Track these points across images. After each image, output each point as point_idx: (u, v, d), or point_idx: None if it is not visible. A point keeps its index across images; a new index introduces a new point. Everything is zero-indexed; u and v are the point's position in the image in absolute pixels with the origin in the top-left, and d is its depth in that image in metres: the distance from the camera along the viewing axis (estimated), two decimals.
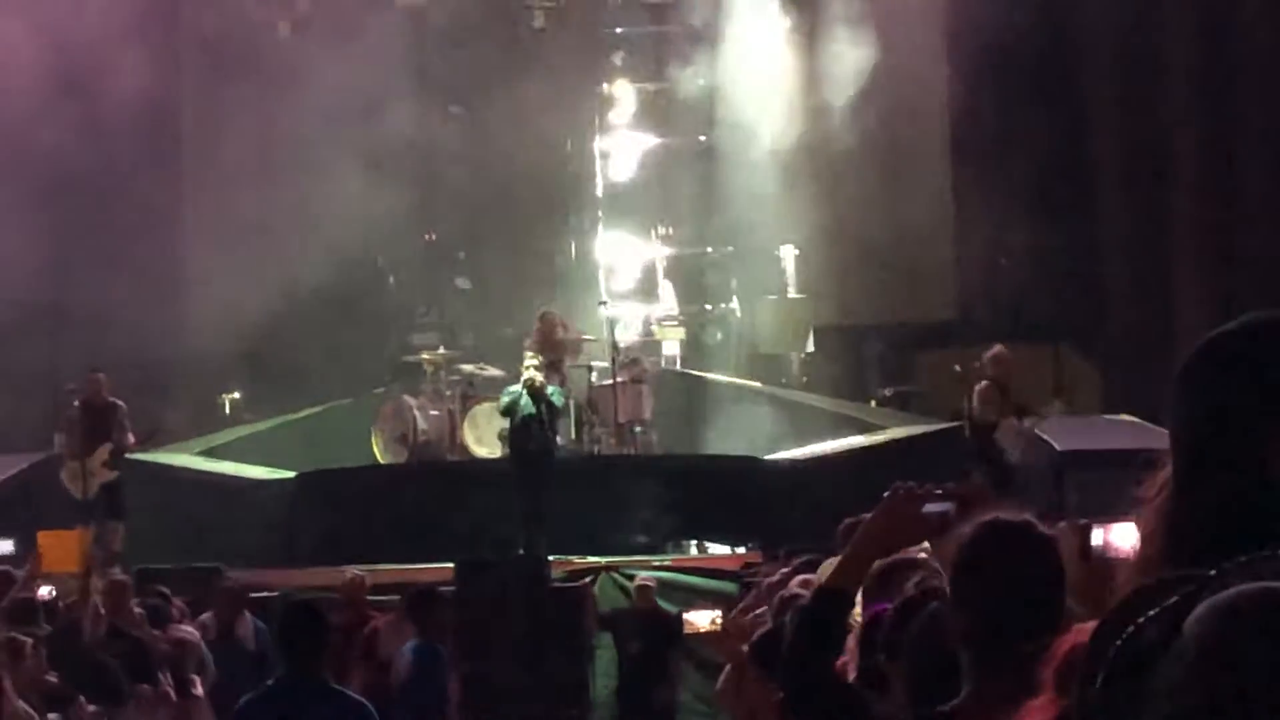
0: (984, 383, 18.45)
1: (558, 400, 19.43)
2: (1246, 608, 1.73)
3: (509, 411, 19.31)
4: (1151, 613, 1.81)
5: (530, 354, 19.75)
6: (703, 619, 13.45)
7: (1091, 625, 1.93)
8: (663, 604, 16.30)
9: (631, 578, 17.09)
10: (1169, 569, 1.89)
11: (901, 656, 4.48)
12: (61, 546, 17.20)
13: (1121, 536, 9.23)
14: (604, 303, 21.29)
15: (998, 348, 18.79)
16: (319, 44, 25.11)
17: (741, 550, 19.25)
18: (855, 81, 24.16)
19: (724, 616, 11.50)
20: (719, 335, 25.23)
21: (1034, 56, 25.08)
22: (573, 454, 20.67)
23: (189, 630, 13.86)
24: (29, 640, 10.33)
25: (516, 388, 19.34)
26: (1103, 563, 8.19)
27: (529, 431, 19.17)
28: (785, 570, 10.39)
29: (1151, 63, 24.70)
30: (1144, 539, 1.99)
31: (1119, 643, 1.82)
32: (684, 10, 26.07)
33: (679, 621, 15.00)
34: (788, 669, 4.41)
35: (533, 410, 19.07)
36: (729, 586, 16.33)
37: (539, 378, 19.16)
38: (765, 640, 6.58)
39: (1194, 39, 24.24)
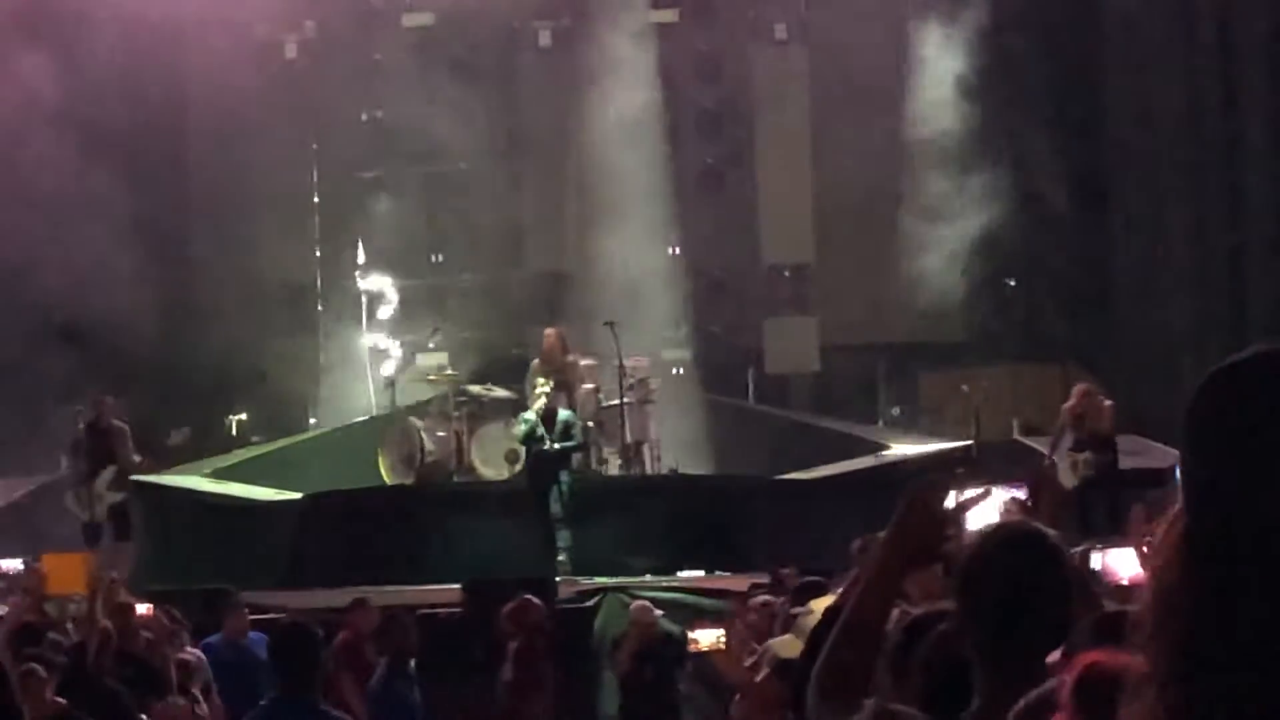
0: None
1: (570, 423, 19.57)
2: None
3: (528, 439, 19.48)
4: None
5: (542, 380, 19.85)
6: (708, 637, 13.43)
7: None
8: (668, 624, 16.23)
9: (639, 599, 17.02)
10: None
11: (909, 680, 4.43)
12: (67, 568, 17.19)
13: (1121, 561, 9.19)
14: (610, 323, 21.24)
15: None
16: (326, 65, 25.19)
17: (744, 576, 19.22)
18: (863, 103, 24.18)
19: (728, 635, 11.49)
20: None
21: (1044, 73, 25.10)
22: (580, 476, 20.69)
23: (194, 651, 13.84)
24: (37, 667, 10.31)
25: (531, 415, 19.48)
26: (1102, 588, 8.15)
27: (544, 457, 19.33)
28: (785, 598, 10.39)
29: (1167, 78, 24.71)
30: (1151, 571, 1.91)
31: None
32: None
33: (685, 640, 14.96)
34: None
35: (548, 436, 19.24)
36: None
37: (552, 403, 19.36)
38: (797, 665, 6.46)
39: (1209, 58, 24.27)
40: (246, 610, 15.32)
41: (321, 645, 8.27)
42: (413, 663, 13.56)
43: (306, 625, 8.62)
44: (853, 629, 3.98)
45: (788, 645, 7.68)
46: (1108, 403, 18.61)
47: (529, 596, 14.60)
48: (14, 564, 18.75)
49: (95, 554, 18.46)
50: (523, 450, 20.00)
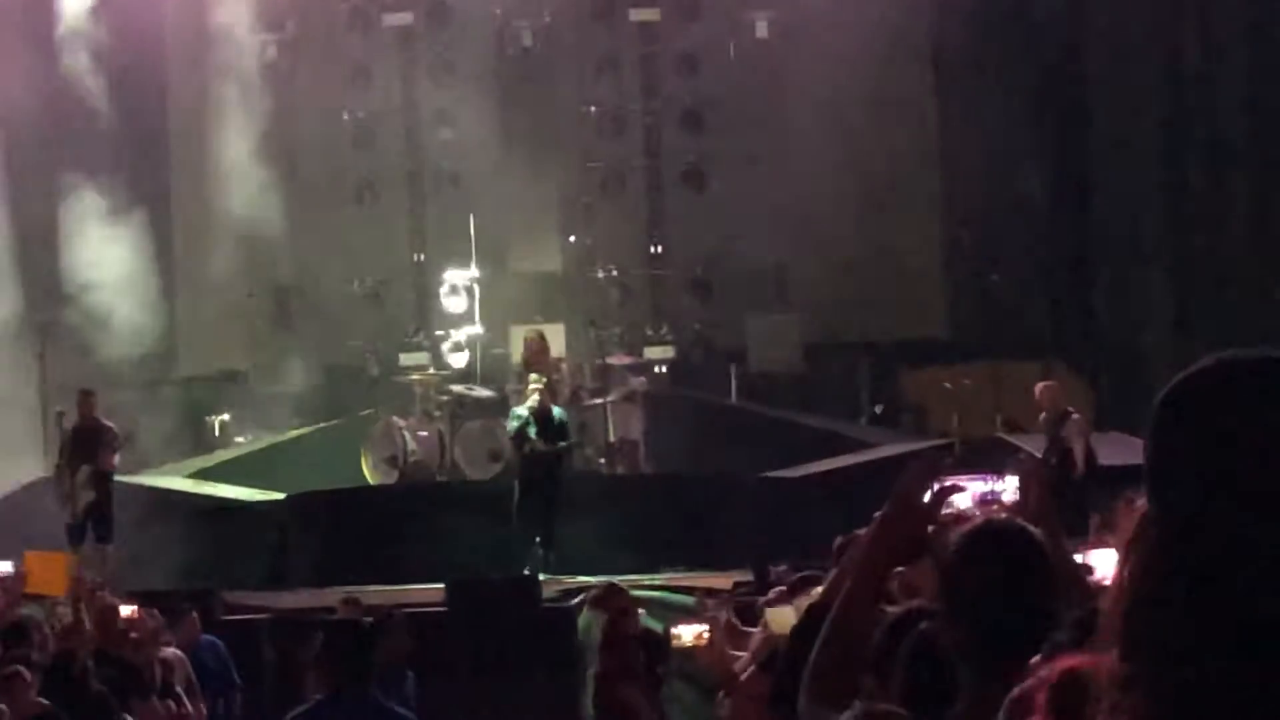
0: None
1: (565, 422, 19.57)
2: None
3: (519, 436, 19.42)
4: None
5: (535, 377, 19.83)
6: (689, 634, 13.42)
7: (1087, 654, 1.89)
8: (650, 622, 16.22)
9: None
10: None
11: (891, 678, 4.42)
12: (48, 568, 17.13)
13: (1102, 560, 9.19)
14: (592, 321, 21.28)
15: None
16: (306, 65, 25.17)
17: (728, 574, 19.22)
18: (844, 100, 24.18)
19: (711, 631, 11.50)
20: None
21: (1026, 73, 25.12)
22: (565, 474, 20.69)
23: (176, 651, 13.84)
24: (22, 669, 10.31)
25: (523, 411, 19.43)
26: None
27: (535, 455, 19.28)
28: (781, 589, 10.40)
29: (1151, 77, 24.74)
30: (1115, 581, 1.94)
31: None
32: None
33: (667, 638, 14.95)
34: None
35: (539, 434, 19.21)
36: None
37: (544, 401, 19.32)
38: (780, 659, 6.43)
39: (1191, 53, 24.31)
40: (196, 618, 15.26)
41: (372, 641, 8.25)
42: (403, 666, 13.53)
43: (358, 620, 8.56)
44: (841, 625, 3.96)
45: (784, 617, 7.65)
46: (1075, 415, 18.58)
47: (612, 582, 14.66)
48: (4, 565, 18.69)
49: (77, 555, 18.41)
50: (508, 448, 19.98)
